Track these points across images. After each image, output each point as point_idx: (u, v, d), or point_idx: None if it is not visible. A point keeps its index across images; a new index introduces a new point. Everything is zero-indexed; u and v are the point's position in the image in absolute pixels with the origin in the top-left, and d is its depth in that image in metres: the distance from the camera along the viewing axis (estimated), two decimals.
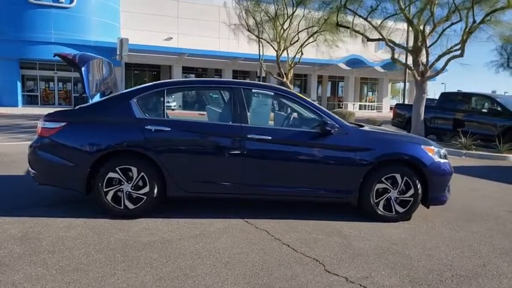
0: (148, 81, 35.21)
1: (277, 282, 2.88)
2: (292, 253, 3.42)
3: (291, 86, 18.71)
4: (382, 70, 35.64)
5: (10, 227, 3.75)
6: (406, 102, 21.94)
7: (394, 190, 4.33)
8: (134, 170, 4.05)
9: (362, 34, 12.89)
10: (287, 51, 17.86)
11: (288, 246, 3.57)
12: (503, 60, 27.41)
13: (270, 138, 4.17)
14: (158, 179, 4.10)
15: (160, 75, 32.82)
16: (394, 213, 4.35)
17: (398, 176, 4.31)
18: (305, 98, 4.55)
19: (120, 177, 4.05)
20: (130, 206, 4.09)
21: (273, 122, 4.90)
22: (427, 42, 11.77)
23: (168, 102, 26.53)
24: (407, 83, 42.98)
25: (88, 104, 4.32)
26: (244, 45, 29.12)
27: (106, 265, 3.04)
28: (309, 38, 17.62)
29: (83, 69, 4.29)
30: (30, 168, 4.27)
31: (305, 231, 3.96)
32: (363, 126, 4.76)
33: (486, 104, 12.49)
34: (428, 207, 4.55)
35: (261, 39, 17.77)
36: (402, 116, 14.70)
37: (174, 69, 30.00)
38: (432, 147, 4.47)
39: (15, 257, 3.11)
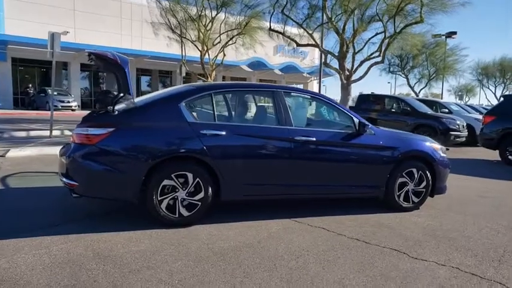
0: (37, 79, 31.44)
1: (387, 272, 3.13)
2: (368, 246, 3.69)
3: None
4: (280, 73, 37.65)
5: (69, 247, 3.31)
6: None
7: (411, 183, 4.90)
8: (190, 176, 3.89)
9: (292, 39, 13.67)
10: (208, 53, 17.87)
11: (358, 240, 3.84)
12: (385, 66, 31.38)
13: (314, 139, 4.38)
14: (213, 184, 4.00)
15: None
16: (411, 203, 4.93)
17: (414, 170, 4.88)
18: (335, 101, 4.86)
19: (176, 184, 3.85)
20: (185, 213, 3.92)
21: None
22: (355, 49, 13.00)
23: (69, 102, 24.31)
24: (301, 85, 45.77)
25: (133, 107, 3.96)
26: (148, 43, 28.14)
27: (222, 274, 2.94)
28: (229, 40, 17.89)
29: (126, 70, 3.93)
30: (66, 179, 3.77)
31: (355, 226, 4.26)
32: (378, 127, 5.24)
33: (398, 104, 14.30)
34: (433, 196, 5.22)
35: (183, 39, 17.44)
36: None
37: (72, 66, 27.47)
38: (437, 145, 5.17)
39: (119, 277, 2.81)
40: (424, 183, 4.93)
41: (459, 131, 13.45)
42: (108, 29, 28.42)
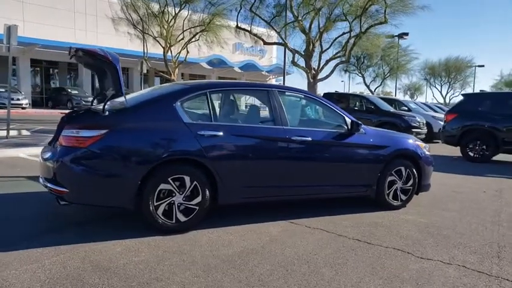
0: None
1: (400, 273, 3.11)
2: (372, 246, 3.67)
3: None
4: (240, 71, 37.56)
5: (63, 259, 3.02)
6: None
7: (400, 181, 4.96)
8: (187, 179, 3.68)
9: (260, 38, 13.58)
10: (170, 50, 17.40)
11: (359, 240, 3.81)
12: (344, 66, 32.13)
13: (310, 139, 4.32)
14: (210, 187, 3.82)
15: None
16: (399, 201, 4.99)
17: (403, 169, 4.94)
18: (327, 100, 4.82)
19: (172, 188, 3.64)
20: (183, 218, 3.71)
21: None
22: (322, 48, 13.15)
23: (19, 99, 22.86)
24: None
25: (125, 107, 3.68)
26: (104, 39, 27.00)
27: (237, 283, 2.79)
28: (193, 37, 17.53)
29: (117, 67, 3.64)
30: (52, 185, 3.44)
31: (352, 226, 4.24)
32: None
33: (361, 102, 14.64)
34: (417, 194, 5.33)
35: (145, 35, 16.85)
36: None
37: (21, 61, 25.76)
38: (421, 142, 5.27)
39: None
40: (411, 181, 5.01)
41: (420, 128, 13.98)
42: (60, 23, 26.93)
